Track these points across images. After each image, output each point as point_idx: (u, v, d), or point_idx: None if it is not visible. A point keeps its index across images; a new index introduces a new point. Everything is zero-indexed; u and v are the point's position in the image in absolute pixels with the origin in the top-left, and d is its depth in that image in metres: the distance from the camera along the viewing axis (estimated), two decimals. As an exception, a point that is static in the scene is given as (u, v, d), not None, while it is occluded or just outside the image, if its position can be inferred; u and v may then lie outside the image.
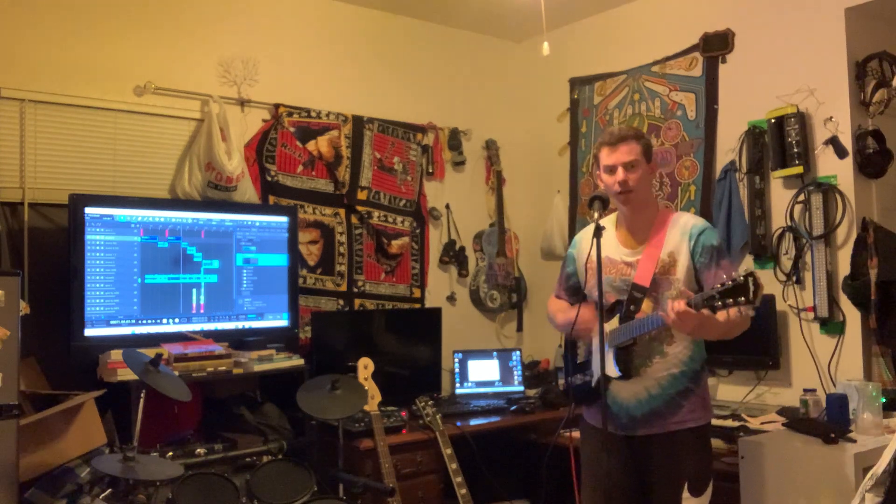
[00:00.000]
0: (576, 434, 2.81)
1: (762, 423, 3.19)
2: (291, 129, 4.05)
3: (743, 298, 2.04)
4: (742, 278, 2.05)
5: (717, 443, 3.28)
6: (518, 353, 4.43)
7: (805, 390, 3.25)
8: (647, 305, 2.44)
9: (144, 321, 3.34)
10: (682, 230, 2.48)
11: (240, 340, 3.50)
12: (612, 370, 2.45)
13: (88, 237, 3.20)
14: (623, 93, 4.38)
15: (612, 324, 2.48)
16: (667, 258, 2.45)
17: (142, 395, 2.73)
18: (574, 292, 2.70)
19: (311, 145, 4.11)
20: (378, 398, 3.52)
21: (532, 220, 4.87)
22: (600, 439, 2.36)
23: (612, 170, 2.48)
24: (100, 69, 3.51)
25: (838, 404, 3.01)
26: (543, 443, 3.79)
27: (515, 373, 4.36)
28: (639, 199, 2.50)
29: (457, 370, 4.33)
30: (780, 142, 3.54)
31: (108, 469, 2.56)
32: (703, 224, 2.50)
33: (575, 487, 2.74)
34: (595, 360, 2.53)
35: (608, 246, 2.52)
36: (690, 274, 2.44)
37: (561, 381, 2.75)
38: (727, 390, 3.76)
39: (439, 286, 4.59)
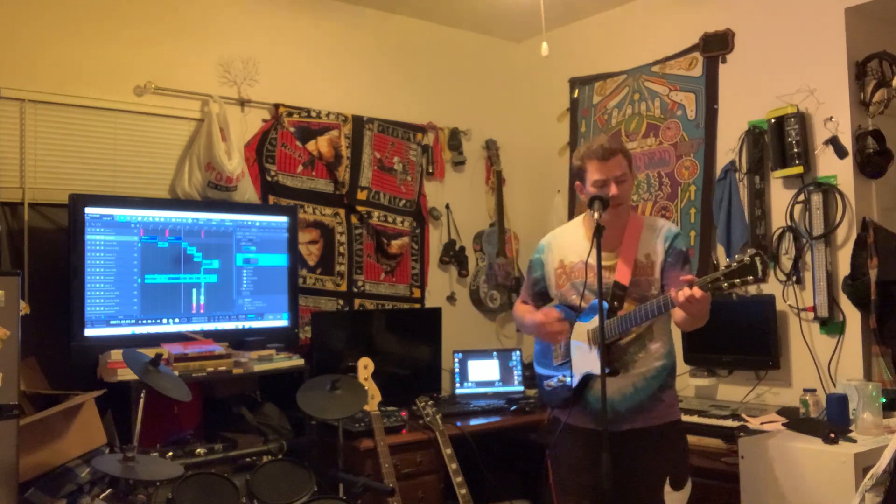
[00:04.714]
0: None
1: (762, 423, 3.19)
2: (291, 129, 4.04)
3: (751, 277, 2.15)
4: (748, 258, 2.15)
5: (716, 442, 3.30)
6: (518, 353, 4.43)
7: (805, 390, 3.26)
8: (628, 305, 2.48)
9: (144, 321, 3.34)
10: (657, 234, 2.56)
11: (240, 340, 3.50)
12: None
13: (88, 237, 3.20)
14: (623, 93, 4.38)
15: (593, 322, 2.49)
16: (644, 260, 2.53)
17: (142, 395, 2.72)
18: (541, 298, 2.75)
19: (311, 145, 4.11)
20: (378, 398, 3.52)
21: (532, 220, 4.86)
22: (587, 440, 2.47)
23: (603, 183, 2.49)
24: (100, 69, 3.51)
25: (838, 404, 3.01)
26: (543, 443, 3.78)
27: (515, 373, 4.36)
28: (622, 208, 2.55)
29: (457, 370, 4.33)
30: (780, 142, 3.53)
31: (108, 469, 2.56)
32: (678, 230, 2.63)
33: (553, 496, 2.68)
34: (581, 358, 2.54)
35: (582, 251, 2.56)
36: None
37: (549, 382, 2.73)
38: (727, 390, 3.76)
39: (439, 286, 4.59)
